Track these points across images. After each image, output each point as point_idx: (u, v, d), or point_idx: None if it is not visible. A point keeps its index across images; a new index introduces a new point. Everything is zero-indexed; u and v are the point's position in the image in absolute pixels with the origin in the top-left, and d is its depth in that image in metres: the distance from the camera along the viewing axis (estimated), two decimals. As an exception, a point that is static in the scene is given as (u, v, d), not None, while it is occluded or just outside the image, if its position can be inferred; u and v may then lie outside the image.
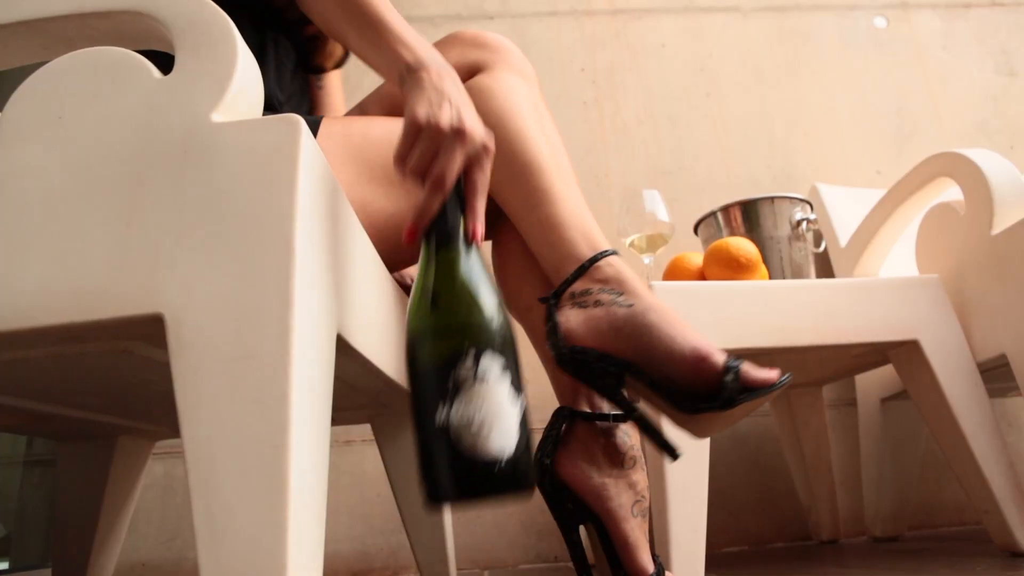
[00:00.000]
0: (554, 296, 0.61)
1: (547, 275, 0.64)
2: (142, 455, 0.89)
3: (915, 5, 1.73)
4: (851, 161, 1.58)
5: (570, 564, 1.22)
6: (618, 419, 0.61)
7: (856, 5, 1.71)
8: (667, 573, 0.61)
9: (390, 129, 0.68)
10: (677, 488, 0.81)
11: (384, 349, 0.61)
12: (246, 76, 0.44)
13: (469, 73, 0.72)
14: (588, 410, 0.62)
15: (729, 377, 0.52)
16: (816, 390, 1.25)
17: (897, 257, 1.24)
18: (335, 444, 1.27)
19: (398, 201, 0.67)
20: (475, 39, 0.75)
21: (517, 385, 0.44)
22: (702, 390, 0.53)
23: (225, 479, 0.36)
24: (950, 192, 1.06)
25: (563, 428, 0.61)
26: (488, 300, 0.44)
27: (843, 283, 0.94)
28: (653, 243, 1.05)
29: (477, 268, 0.46)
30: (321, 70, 0.95)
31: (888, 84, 1.65)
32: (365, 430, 0.94)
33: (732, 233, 1.14)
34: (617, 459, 0.60)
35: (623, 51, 1.63)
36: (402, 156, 0.49)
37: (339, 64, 0.97)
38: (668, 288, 0.88)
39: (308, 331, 0.39)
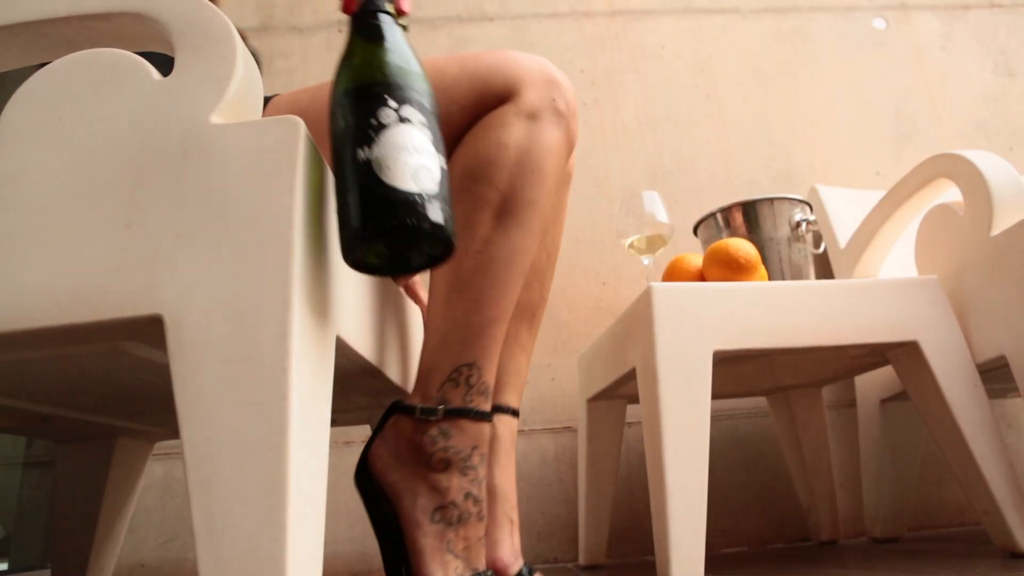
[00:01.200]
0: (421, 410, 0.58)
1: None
2: (141, 456, 0.89)
3: (914, 6, 1.73)
4: (850, 162, 1.58)
5: (570, 565, 1.22)
6: (426, 414, 0.56)
7: (855, 6, 1.71)
8: None
9: None
10: (677, 489, 0.81)
11: (383, 350, 0.61)
12: (245, 78, 0.45)
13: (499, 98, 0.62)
14: (411, 404, 0.57)
15: None
16: (816, 391, 1.25)
17: (896, 258, 1.24)
18: (335, 445, 1.27)
19: None
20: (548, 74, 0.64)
21: (438, 146, 0.44)
22: None
23: (224, 480, 0.36)
24: (949, 193, 1.06)
25: (387, 418, 0.58)
26: (414, 66, 0.45)
27: (842, 284, 0.94)
28: (652, 244, 1.05)
29: (405, 40, 0.47)
30: None
31: (887, 85, 1.65)
32: (365, 431, 0.94)
33: (732, 234, 1.14)
34: (422, 458, 0.56)
35: (623, 52, 1.63)
36: None
37: None
38: (667, 289, 0.89)
39: (307, 332, 0.39)
